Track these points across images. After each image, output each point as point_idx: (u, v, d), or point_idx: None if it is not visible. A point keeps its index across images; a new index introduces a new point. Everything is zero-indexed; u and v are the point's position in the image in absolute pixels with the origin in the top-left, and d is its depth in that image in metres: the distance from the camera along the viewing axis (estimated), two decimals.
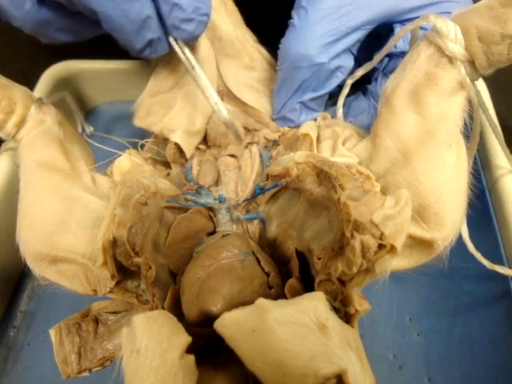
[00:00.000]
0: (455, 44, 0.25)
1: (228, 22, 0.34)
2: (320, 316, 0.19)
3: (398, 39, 0.29)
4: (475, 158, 0.38)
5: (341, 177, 0.22)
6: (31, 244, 0.27)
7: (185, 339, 0.19)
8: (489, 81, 0.40)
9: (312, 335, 0.18)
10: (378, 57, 0.30)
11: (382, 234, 0.19)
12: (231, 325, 0.19)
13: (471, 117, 0.27)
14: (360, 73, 0.32)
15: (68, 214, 0.27)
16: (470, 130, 0.28)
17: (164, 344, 0.19)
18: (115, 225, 0.23)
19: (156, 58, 0.31)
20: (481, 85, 0.39)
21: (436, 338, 0.33)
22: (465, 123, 0.26)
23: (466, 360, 0.32)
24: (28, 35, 0.29)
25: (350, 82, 0.33)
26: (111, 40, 0.33)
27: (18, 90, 0.30)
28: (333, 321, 0.20)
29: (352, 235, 0.20)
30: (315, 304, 0.19)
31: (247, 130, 0.33)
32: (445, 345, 0.33)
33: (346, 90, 0.33)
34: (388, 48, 0.29)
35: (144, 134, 0.34)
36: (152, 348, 0.18)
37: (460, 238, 0.29)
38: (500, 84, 0.46)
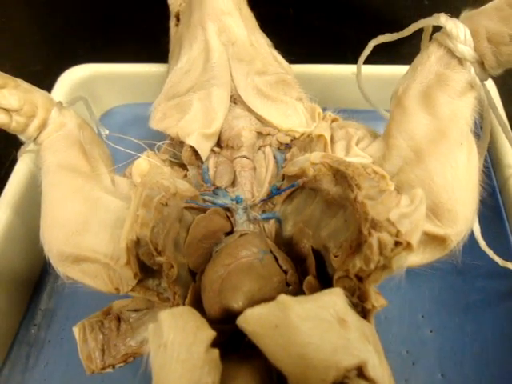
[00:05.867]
0: (465, 45, 0.25)
1: (242, 26, 0.34)
2: (339, 311, 0.20)
3: (415, 29, 0.28)
4: (486, 157, 0.39)
5: (357, 176, 0.22)
6: (55, 244, 0.27)
7: (210, 334, 0.20)
8: (499, 83, 0.40)
9: (333, 329, 0.19)
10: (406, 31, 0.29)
11: (399, 231, 0.20)
12: (254, 321, 0.20)
13: (482, 116, 0.27)
14: (385, 38, 0.30)
15: (90, 214, 0.28)
16: (481, 129, 0.28)
17: (190, 338, 0.19)
18: (138, 225, 0.23)
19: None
20: (490, 85, 0.40)
21: (449, 334, 0.33)
22: (475, 123, 0.27)
23: (479, 356, 0.32)
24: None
25: (372, 44, 0.31)
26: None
27: (39, 95, 0.31)
28: (352, 316, 0.20)
29: (369, 233, 0.21)
30: (335, 299, 0.20)
31: (260, 133, 0.33)
32: (458, 341, 0.33)
33: (367, 51, 0.32)
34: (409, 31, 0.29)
35: (159, 136, 0.34)
36: (179, 342, 0.19)
37: (471, 236, 0.30)
38: (510, 86, 0.46)
